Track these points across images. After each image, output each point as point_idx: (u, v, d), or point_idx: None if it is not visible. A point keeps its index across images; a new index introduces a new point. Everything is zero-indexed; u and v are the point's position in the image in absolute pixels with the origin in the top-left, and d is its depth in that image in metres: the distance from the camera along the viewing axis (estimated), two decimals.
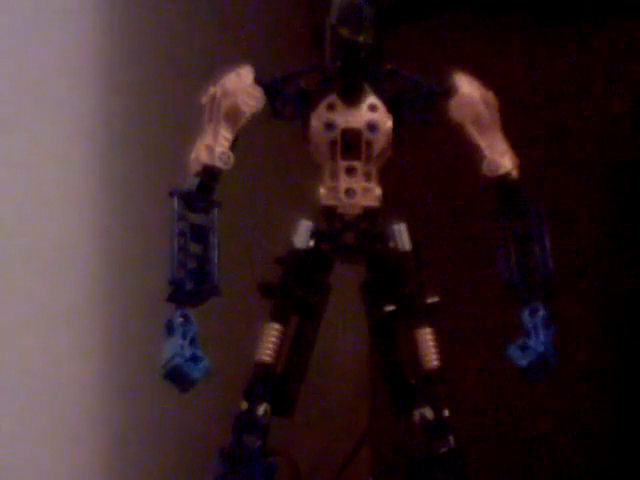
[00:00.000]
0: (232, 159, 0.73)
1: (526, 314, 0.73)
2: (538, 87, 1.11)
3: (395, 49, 0.74)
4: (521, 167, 0.74)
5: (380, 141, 0.73)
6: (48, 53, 1.04)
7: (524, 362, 0.71)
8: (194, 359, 0.71)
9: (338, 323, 0.85)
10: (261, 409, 0.73)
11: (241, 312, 0.92)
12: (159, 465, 1.12)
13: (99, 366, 1.09)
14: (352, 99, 0.73)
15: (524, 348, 0.72)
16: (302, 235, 0.74)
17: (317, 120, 0.73)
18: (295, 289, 0.73)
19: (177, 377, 0.71)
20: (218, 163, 0.73)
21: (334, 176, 0.74)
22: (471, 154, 0.74)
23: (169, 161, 0.80)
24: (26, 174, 1.02)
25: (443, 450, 0.73)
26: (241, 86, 0.73)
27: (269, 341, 0.73)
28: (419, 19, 1.12)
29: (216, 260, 0.73)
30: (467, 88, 0.73)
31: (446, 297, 0.74)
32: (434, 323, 0.73)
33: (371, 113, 0.73)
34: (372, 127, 0.73)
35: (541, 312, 0.72)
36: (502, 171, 0.74)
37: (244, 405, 0.73)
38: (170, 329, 0.72)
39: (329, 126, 0.73)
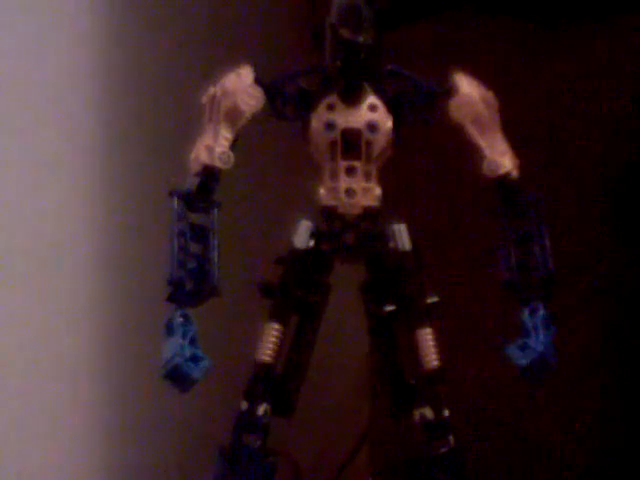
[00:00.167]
0: (232, 159, 0.73)
1: (526, 314, 0.73)
2: (538, 87, 1.11)
3: (395, 49, 0.74)
4: (521, 167, 0.74)
5: (380, 141, 0.73)
6: (48, 53, 1.04)
7: (524, 362, 0.71)
8: (194, 359, 0.71)
9: (338, 323, 0.85)
10: (261, 409, 0.73)
11: (241, 312, 0.92)
12: (159, 465, 1.12)
13: (99, 366, 1.09)
14: (352, 99, 0.73)
15: (524, 348, 0.72)
16: (302, 235, 0.74)
17: (317, 120, 0.73)
18: (295, 289, 0.73)
19: (177, 377, 0.71)
20: (218, 163, 0.73)
21: (334, 176, 0.74)
22: (471, 154, 0.74)
23: (169, 161, 0.80)
24: (26, 174, 1.02)
25: (443, 450, 0.73)
26: (241, 86, 0.73)
27: (269, 341, 0.73)
28: (419, 19, 1.12)
29: (216, 260, 0.73)
30: (467, 88, 0.73)
31: (446, 297, 0.74)
32: (434, 323, 0.73)
33: (371, 113, 0.73)
34: (372, 127, 0.73)
35: (541, 312, 0.72)
36: (502, 171, 0.74)
37: (244, 405, 0.73)
38: (170, 329, 0.72)
39: (329, 126, 0.73)
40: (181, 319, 0.72)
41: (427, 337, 0.73)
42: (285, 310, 0.74)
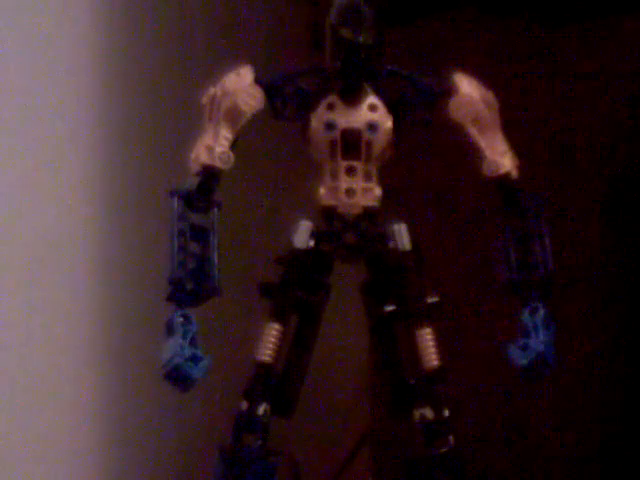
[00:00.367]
0: (232, 159, 0.73)
1: (526, 314, 0.73)
2: (539, 87, 1.11)
3: (395, 49, 0.74)
4: (521, 167, 0.74)
5: (380, 141, 0.73)
6: (47, 53, 1.04)
7: (524, 362, 0.71)
8: (194, 359, 0.71)
9: (338, 323, 0.85)
10: (261, 409, 0.73)
11: (241, 312, 0.92)
12: (159, 465, 1.12)
13: (98, 366, 1.09)
14: (352, 99, 0.73)
15: (524, 348, 0.72)
16: (302, 235, 0.74)
17: (317, 120, 0.73)
18: (295, 289, 0.73)
19: (177, 377, 0.71)
20: (218, 163, 0.73)
21: (334, 176, 0.74)
22: (471, 154, 0.74)
23: (169, 161, 0.80)
24: (26, 174, 1.02)
25: (443, 450, 0.73)
26: (241, 86, 0.73)
27: (269, 341, 0.73)
28: (419, 19, 1.12)
29: (216, 260, 0.73)
30: (467, 88, 0.73)
31: (446, 297, 0.74)
32: (434, 323, 0.74)
33: (371, 113, 0.73)
34: (372, 127, 0.73)
35: (541, 312, 0.72)
36: (502, 171, 0.74)
37: (244, 405, 0.73)
38: (170, 329, 0.72)
39: (329, 126, 0.73)
40: (181, 319, 0.72)
41: (427, 337, 0.73)
42: (285, 310, 0.74)
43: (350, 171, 0.73)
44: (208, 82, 0.74)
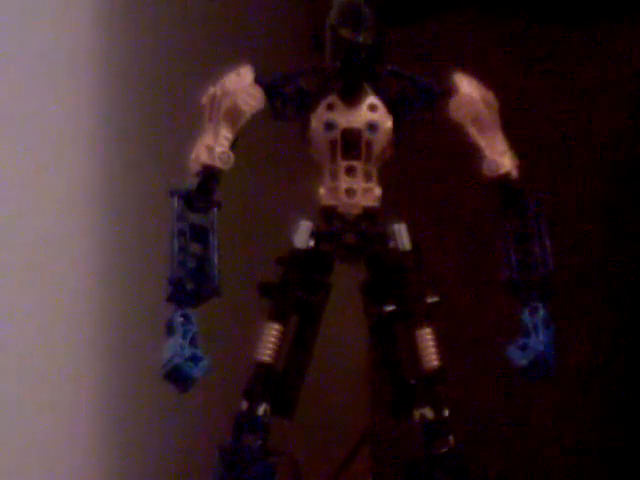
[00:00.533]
0: (232, 159, 0.73)
1: (526, 314, 0.73)
2: (539, 87, 1.11)
3: (395, 49, 0.74)
4: (521, 168, 0.74)
5: (380, 141, 0.73)
6: (47, 54, 1.04)
7: (525, 362, 0.71)
8: (194, 359, 0.71)
9: (338, 323, 0.85)
10: (261, 409, 0.73)
11: (241, 312, 0.92)
12: (159, 465, 1.12)
13: (98, 366, 1.09)
14: (352, 99, 0.73)
15: (524, 348, 0.72)
16: (302, 235, 0.74)
17: (317, 120, 0.73)
18: (295, 289, 0.73)
19: (177, 377, 0.71)
20: (218, 163, 0.73)
21: (334, 176, 0.74)
22: (471, 154, 0.74)
23: (169, 161, 0.80)
24: (26, 174, 1.02)
25: (443, 450, 0.73)
26: (241, 86, 0.73)
27: (269, 341, 0.73)
28: (419, 19, 1.12)
29: (216, 260, 0.73)
30: (467, 88, 0.73)
31: (446, 297, 0.74)
32: (434, 323, 0.73)
33: (371, 113, 0.73)
34: (372, 127, 0.73)
35: (541, 311, 0.72)
36: (502, 171, 0.74)
37: (244, 405, 0.73)
38: (170, 329, 0.72)
39: (329, 126, 0.73)
40: (181, 319, 0.72)
41: (427, 337, 0.73)
42: (285, 310, 0.74)
43: (350, 171, 0.73)
44: (208, 82, 0.74)
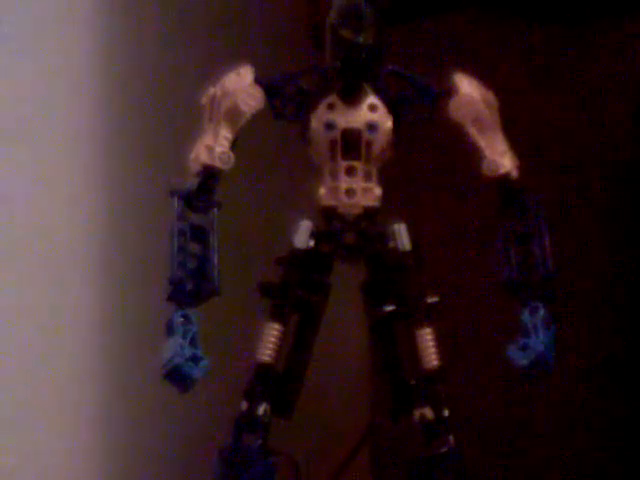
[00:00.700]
0: (232, 159, 0.73)
1: (526, 314, 0.73)
2: (539, 87, 1.11)
3: (395, 49, 0.74)
4: (521, 168, 0.74)
5: (380, 141, 0.73)
6: (48, 55, 1.04)
7: (525, 362, 0.71)
8: (194, 359, 0.71)
9: (338, 323, 0.85)
10: (261, 409, 0.73)
11: (241, 312, 0.92)
12: (159, 465, 1.12)
13: (98, 367, 1.09)
14: (352, 99, 0.73)
15: (524, 348, 0.72)
16: (302, 235, 0.74)
17: (317, 120, 0.73)
18: (295, 289, 0.73)
19: (177, 377, 0.71)
20: (218, 163, 0.73)
21: (334, 176, 0.74)
22: (471, 154, 0.74)
23: (169, 161, 0.80)
24: (26, 174, 1.02)
25: (443, 450, 0.73)
26: (241, 86, 0.73)
27: (269, 341, 0.73)
28: (419, 19, 1.12)
29: (216, 260, 0.73)
30: (467, 88, 0.73)
31: (446, 297, 0.74)
32: (434, 323, 0.73)
33: (371, 113, 0.73)
34: (372, 127, 0.73)
35: (541, 312, 0.72)
36: (502, 171, 0.74)
37: (244, 405, 0.73)
38: (170, 329, 0.72)
39: (329, 126, 0.73)
40: (181, 319, 0.72)
41: (427, 337, 0.73)
42: (285, 310, 0.74)
43: (350, 171, 0.73)
44: (208, 82, 0.74)
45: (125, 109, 1.10)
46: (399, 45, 0.77)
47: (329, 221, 0.74)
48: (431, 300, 0.74)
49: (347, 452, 1.25)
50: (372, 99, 0.73)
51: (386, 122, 0.73)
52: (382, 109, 0.73)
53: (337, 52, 0.72)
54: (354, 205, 0.73)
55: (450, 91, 0.73)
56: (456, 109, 0.73)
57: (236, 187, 0.77)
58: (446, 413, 0.73)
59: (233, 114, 0.73)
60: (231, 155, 0.73)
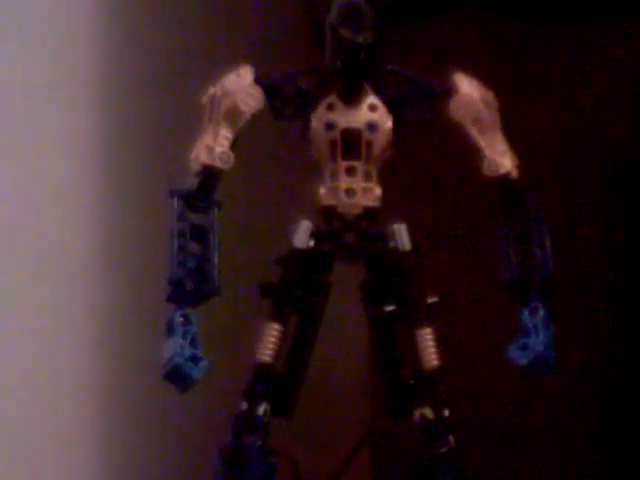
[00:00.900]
0: (232, 159, 0.73)
1: (526, 314, 0.73)
2: (539, 87, 1.11)
3: (395, 49, 0.74)
4: (521, 168, 0.74)
5: (380, 141, 0.73)
6: (48, 55, 1.04)
7: (524, 362, 0.71)
8: (194, 359, 0.71)
9: (338, 323, 0.85)
10: (261, 409, 0.73)
11: (241, 312, 0.92)
12: (159, 465, 1.12)
13: (98, 366, 1.09)
14: (352, 99, 0.73)
15: (524, 348, 0.72)
16: (302, 235, 0.74)
17: (317, 120, 0.73)
18: (295, 289, 0.73)
19: (177, 377, 0.71)
20: (218, 163, 0.73)
21: (334, 176, 0.74)
22: (471, 154, 0.74)
23: (169, 161, 0.80)
24: (27, 175, 1.02)
25: (443, 450, 0.73)
26: (241, 86, 0.73)
27: (269, 341, 0.73)
28: (419, 19, 1.11)
29: (216, 260, 0.73)
30: (467, 88, 0.73)
31: (446, 297, 0.74)
32: (434, 323, 0.73)
33: (371, 113, 0.73)
34: (372, 127, 0.73)
35: (541, 312, 0.72)
36: (502, 171, 0.74)
37: (244, 405, 0.73)
38: (170, 329, 0.72)
39: (329, 126, 0.73)
40: (181, 319, 0.72)
41: (427, 337, 0.73)
42: (285, 310, 0.74)
43: (350, 171, 0.73)
44: (208, 82, 0.74)
45: (125, 109, 1.10)
46: (399, 45, 0.77)
47: (329, 221, 0.74)
48: (431, 300, 0.74)
49: (347, 452, 1.25)
50: (372, 99, 0.73)
51: (386, 122, 0.73)
52: (382, 109, 0.73)
53: (337, 52, 0.72)
54: (354, 205, 0.73)
55: (450, 91, 0.73)
56: (456, 109, 0.73)
57: (236, 187, 0.77)
58: (446, 413, 0.73)
59: (233, 114, 0.73)
60: (231, 155, 0.73)
